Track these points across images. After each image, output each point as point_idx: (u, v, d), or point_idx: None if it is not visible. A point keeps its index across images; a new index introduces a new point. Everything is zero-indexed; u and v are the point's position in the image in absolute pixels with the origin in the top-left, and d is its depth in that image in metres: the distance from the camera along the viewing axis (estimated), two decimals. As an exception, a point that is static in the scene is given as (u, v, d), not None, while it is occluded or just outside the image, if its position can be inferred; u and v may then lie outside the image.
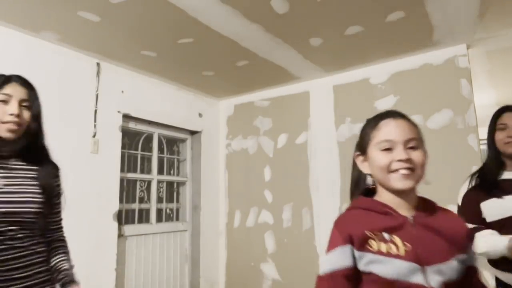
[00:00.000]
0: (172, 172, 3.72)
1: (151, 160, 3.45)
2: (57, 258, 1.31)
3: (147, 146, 3.45)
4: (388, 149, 0.94)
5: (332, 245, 0.95)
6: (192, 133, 3.84)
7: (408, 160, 0.91)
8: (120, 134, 2.98)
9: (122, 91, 3.04)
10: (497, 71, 3.32)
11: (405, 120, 0.98)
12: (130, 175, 3.20)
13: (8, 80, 1.21)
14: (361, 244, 0.90)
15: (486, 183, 1.55)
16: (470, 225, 1.57)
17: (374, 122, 1.00)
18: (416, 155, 0.93)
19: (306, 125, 3.43)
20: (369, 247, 0.89)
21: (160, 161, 3.55)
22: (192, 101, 3.74)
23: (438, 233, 0.92)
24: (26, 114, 1.22)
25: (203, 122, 3.84)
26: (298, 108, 3.51)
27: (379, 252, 0.88)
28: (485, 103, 4.20)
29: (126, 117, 3.08)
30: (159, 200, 3.47)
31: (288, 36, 2.58)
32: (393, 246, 0.88)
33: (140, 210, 3.30)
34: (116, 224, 2.83)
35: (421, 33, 2.57)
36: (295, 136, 3.49)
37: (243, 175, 3.79)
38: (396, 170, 0.92)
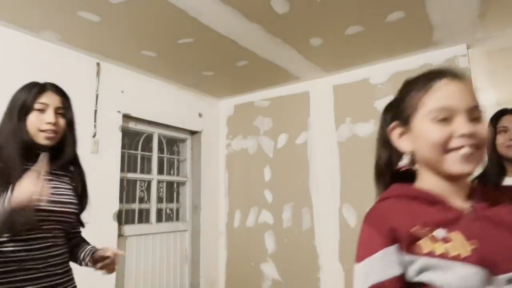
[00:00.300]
0: (172, 172, 3.72)
1: (151, 160, 3.44)
2: (82, 246, 1.42)
3: (147, 146, 3.45)
4: (444, 120, 0.70)
5: (369, 249, 0.70)
6: (192, 133, 3.84)
7: (473, 135, 0.68)
8: (120, 134, 2.97)
9: (122, 91, 3.04)
10: (497, 71, 3.32)
11: (466, 82, 0.75)
12: (130, 175, 3.20)
13: (44, 88, 1.26)
14: (409, 244, 0.67)
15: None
16: None
17: (425, 83, 0.76)
18: (481, 129, 0.70)
19: (306, 125, 3.43)
20: (419, 249, 0.66)
21: (160, 161, 3.55)
22: (192, 101, 3.74)
23: (509, 229, 0.68)
24: (62, 122, 1.27)
25: (203, 122, 3.84)
26: (298, 108, 3.51)
27: (434, 255, 0.65)
28: (485, 103, 4.20)
29: (126, 117, 3.08)
30: (159, 200, 3.47)
31: (288, 36, 2.58)
32: (452, 246, 0.65)
33: (140, 210, 3.30)
34: (116, 224, 2.83)
35: (421, 33, 2.57)
36: (295, 136, 3.49)
37: (243, 175, 3.79)
38: (457, 149, 0.69)
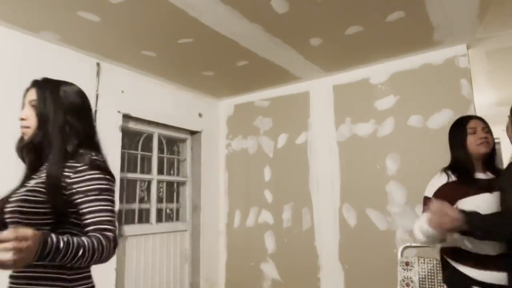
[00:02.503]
0: (172, 172, 3.72)
1: (151, 160, 3.44)
2: None
3: (147, 146, 3.45)
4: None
5: None
6: (192, 133, 3.84)
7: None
8: (120, 134, 2.97)
9: (122, 91, 3.04)
10: (497, 71, 3.32)
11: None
12: (130, 175, 3.20)
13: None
14: None
15: (467, 178, 1.65)
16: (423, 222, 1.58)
17: None
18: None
19: (306, 125, 3.43)
20: None
21: (160, 161, 3.55)
22: (192, 101, 3.74)
23: None
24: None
25: (203, 122, 3.84)
26: (298, 108, 3.51)
27: None
28: (485, 103, 4.21)
29: (126, 117, 3.08)
30: (159, 200, 3.47)
31: (288, 36, 2.58)
32: None
33: (140, 210, 3.30)
34: (116, 224, 2.83)
35: (421, 33, 2.57)
36: (295, 136, 3.49)
37: (243, 175, 3.79)
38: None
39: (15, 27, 2.36)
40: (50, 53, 2.57)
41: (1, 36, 2.33)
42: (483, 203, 1.58)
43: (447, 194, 1.64)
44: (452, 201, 1.61)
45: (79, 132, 1.23)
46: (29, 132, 1.21)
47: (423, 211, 1.71)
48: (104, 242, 1.05)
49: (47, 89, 1.23)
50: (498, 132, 3.18)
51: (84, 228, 1.12)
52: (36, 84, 1.25)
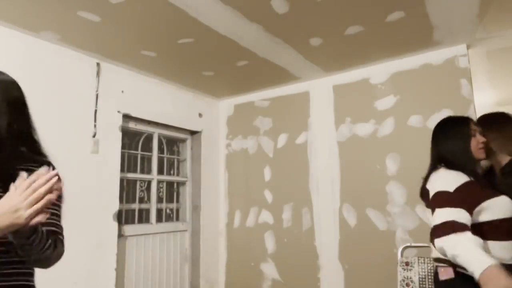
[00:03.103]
0: (172, 172, 3.72)
1: (151, 160, 3.45)
2: None
3: (147, 146, 3.45)
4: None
5: None
6: (192, 133, 3.84)
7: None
8: (120, 134, 2.98)
9: (122, 91, 3.04)
10: (497, 71, 3.32)
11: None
12: (130, 175, 3.20)
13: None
14: None
15: (482, 178, 1.52)
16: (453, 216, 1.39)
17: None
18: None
19: (306, 125, 3.43)
20: None
21: (160, 161, 3.55)
22: (192, 101, 3.74)
23: None
24: None
25: (203, 122, 3.84)
26: (298, 108, 3.51)
27: None
28: (485, 103, 4.21)
29: (126, 117, 3.08)
30: (159, 200, 3.47)
31: (288, 36, 2.58)
32: None
33: (140, 210, 3.30)
34: (116, 224, 2.83)
35: (421, 33, 2.57)
36: (295, 136, 3.49)
37: (243, 175, 3.79)
38: None
39: (15, 27, 2.36)
40: (50, 53, 2.57)
41: (1, 36, 2.33)
42: (503, 204, 1.46)
43: (472, 194, 1.45)
44: (475, 203, 1.45)
45: (23, 130, 1.10)
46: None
47: (440, 205, 1.45)
48: (58, 243, 1.03)
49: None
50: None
51: None
52: None
